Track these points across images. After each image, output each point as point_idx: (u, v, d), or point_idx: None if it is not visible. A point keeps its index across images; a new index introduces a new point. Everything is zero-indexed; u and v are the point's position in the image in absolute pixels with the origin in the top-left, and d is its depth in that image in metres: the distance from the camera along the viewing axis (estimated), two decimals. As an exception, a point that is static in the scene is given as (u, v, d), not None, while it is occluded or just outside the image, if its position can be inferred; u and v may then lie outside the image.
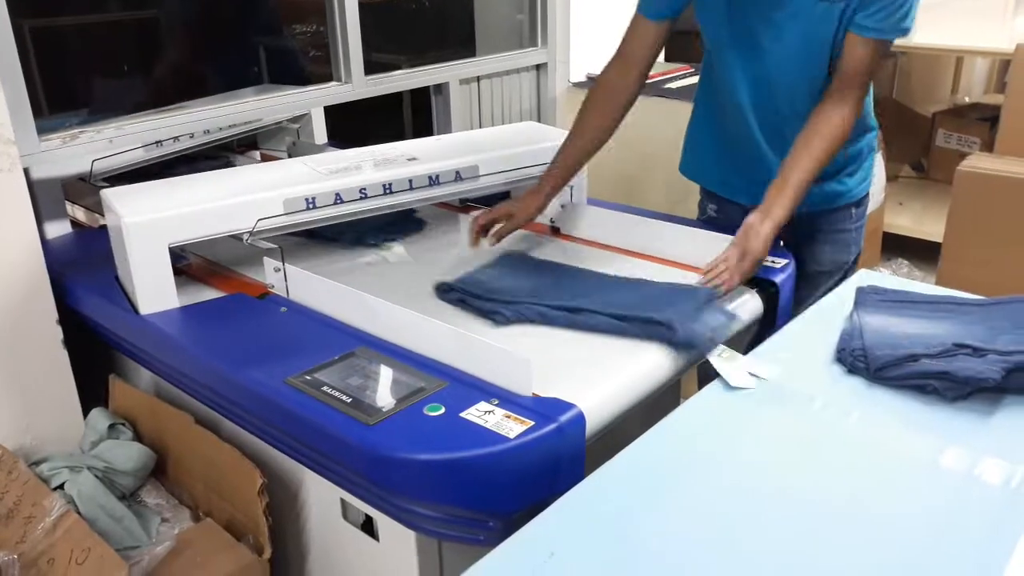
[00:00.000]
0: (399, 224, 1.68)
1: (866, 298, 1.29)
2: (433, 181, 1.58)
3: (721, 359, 1.18)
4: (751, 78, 1.50)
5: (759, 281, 1.43)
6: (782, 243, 1.70)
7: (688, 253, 1.51)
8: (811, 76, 1.45)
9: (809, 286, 1.63)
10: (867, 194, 1.68)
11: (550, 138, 1.75)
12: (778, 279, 1.44)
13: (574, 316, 1.28)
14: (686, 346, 1.21)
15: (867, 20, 1.36)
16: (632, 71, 1.54)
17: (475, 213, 1.55)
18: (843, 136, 1.41)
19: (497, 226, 1.52)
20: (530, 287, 1.39)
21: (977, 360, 1.10)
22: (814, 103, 1.44)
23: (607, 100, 1.55)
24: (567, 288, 1.39)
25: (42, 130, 1.60)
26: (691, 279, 1.44)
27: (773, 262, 1.49)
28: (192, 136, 1.95)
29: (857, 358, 1.15)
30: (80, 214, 1.86)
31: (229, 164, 2.16)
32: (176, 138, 1.91)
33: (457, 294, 1.38)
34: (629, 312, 1.26)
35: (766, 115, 1.53)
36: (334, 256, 1.61)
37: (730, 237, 1.43)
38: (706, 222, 1.73)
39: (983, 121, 3.52)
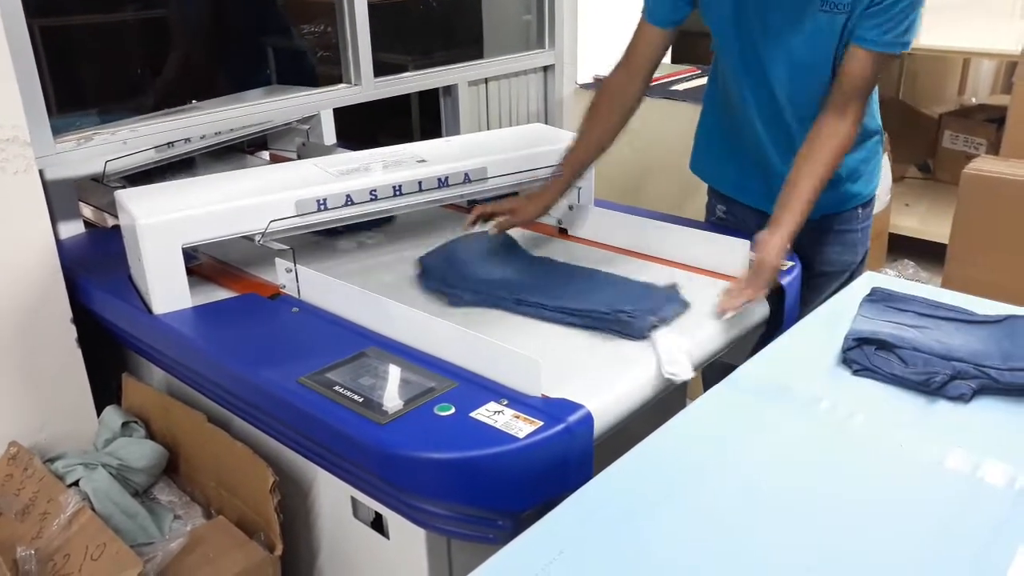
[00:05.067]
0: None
1: (872, 299, 1.31)
2: (442, 183, 1.59)
3: (663, 339, 1.24)
4: (756, 85, 1.51)
5: (765, 283, 1.44)
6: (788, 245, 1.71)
7: (696, 255, 1.52)
8: (814, 86, 1.47)
9: (816, 287, 1.65)
10: (874, 195, 1.69)
11: (558, 140, 1.76)
12: (784, 281, 1.45)
13: (525, 309, 1.36)
14: (632, 335, 1.27)
15: (869, 32, 1.37)
16: (637, 76, 1.57)
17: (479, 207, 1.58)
18: (845, 148, 1.43)
19: (499, 218, 1.55)
20: (498, 276, 1.46)
21: (948, 370, 1.12)
22: (818, 111, 1.45)
23: (612, 104, 1.58)
24: (531, 281, 1.45)
25: (53, 130, 1.62)
26: (699, 281, 1.45)
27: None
28: (203, 137, 1.97)
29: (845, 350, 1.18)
30: (89, 213, 1.88)
31: (239, 165, 2.18)
32: (187, 139, 1.93)
33: (434, 281, 1.45)
34: (580, 307, 1.32)
35: (772, 122, 1.54)
36: (344, 257, 1.62)
37: (739, 240, 1.45)
38: (715, 223, 1.75)
39: (990, 122, 3.52)
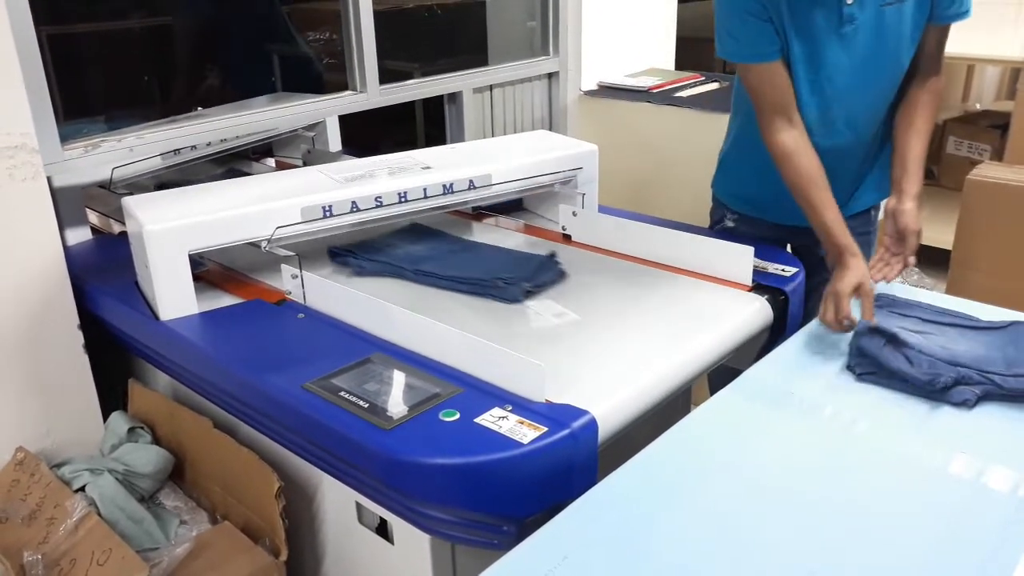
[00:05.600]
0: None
1: (877, 304, 1.31)
2: (447, 189, 1.60)
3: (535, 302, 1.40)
4: (820, 105, 1.48)
5: (769, 289, 1.45)
6: (789, 249, 1.72)
7: (700, 262, 1.52)
8: (878, 90, 1.49)
9: (820, 295, 1.64)
10: (883, 201, 1.70)
11: (562, 147, 1.77)
12: (788, 288, 1.46)
13: (422, 277, 1.51)
14: (507, 299, 1.42)
15: (948, 9, 1.45)
16: (796, 120, 1.47)
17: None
18: (935, 114, 1.51)
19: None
20: (400, 250, 1.62)
21: (952, 375, 1.12)
22: (874, 122, 1.51)
23: (807, 158, 1.45)
24: (431, 254, 1.61)
25: (60, 137, 1.63)
26: (705, 288, 1.46)
27: (783, 270, 1.50)
28: (209, 144, 1.98)
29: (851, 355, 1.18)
30: (96, 219, 1.89)
31: (245, 172, 2.19)
32: (194, 146, 1.94)
33: (344, 256, 1.59)
34: (466, 275, 1.49)
35: (824, 135, 1.50)
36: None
37: (745, 247, 1.45)
38: (721, 231, 1.74)
39: (994, 128, 3.52)
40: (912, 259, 1.43)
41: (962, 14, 1.47)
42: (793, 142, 1.45)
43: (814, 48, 1.44)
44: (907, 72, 1.50)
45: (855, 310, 1.31)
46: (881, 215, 1.71)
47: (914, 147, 1.47)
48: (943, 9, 1.45)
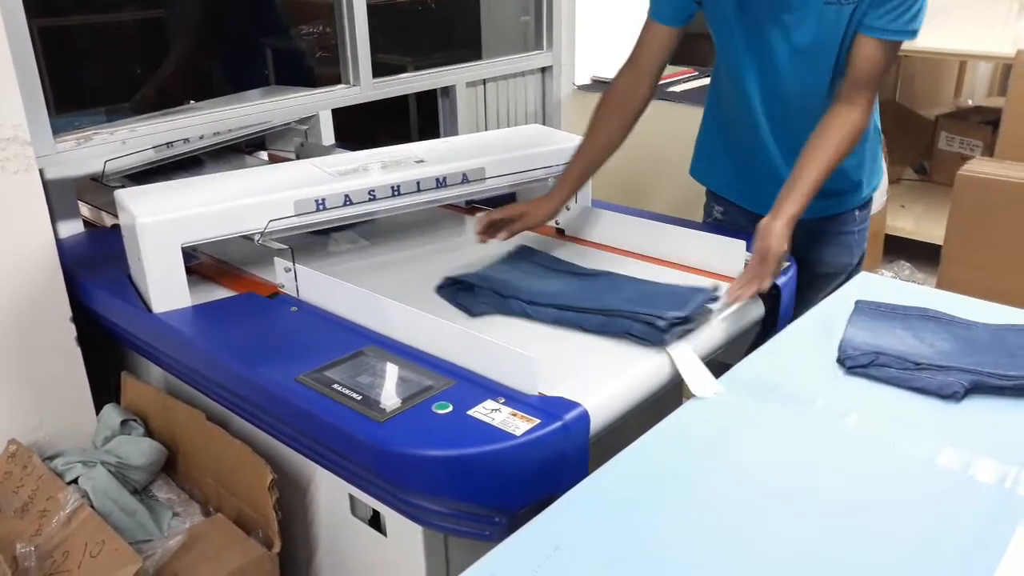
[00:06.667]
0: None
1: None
2: (440, 183, 1.60)
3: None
4: (762, 82, 1.52)
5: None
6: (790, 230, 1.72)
7: (693, 256, 1.53)
8: (822, 80, 1.47)
9: (812, 288, 1.65)
10: (871, 197, 1.70)
11: (555, 141, 1.78)
12: (780, 281, 1.46)
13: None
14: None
15: (876, 21, 1.37)
16: (644, 77, 1.55)
17: (481, 213, 1.57)
18: (854, 138, 1.42)
19: (509, 225, 1.53)
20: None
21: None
22: (825, 107, 1.46)
23: (619, 106, 1.57)
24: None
25: (52, 130, 1.62)
26: (696, 281, 1.46)
27: (775, 265, 1.51)
28: (202, 137, 1.98)
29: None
30: (88, 212, 1.88)
31: (238, 165, 2.19)
32: (186, 139, 1.94)
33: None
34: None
35: (777, 119, 1.54)
36: (342, 257, 1.63)
37: (736, 240, 1.46)
38: (712, 224, 1.76)
39: (985, 124, 3.54)
40: (767, 283, 1.35)
41: (900, 32, 1.37)
42: (622, 84, 1.56)
43: (758, 28, 1.46)
44: (839, 89, 1.45)
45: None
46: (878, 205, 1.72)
47: (809, 171, 1.38)
48: (875, 19, 1.36)
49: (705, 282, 1.42)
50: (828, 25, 1.41)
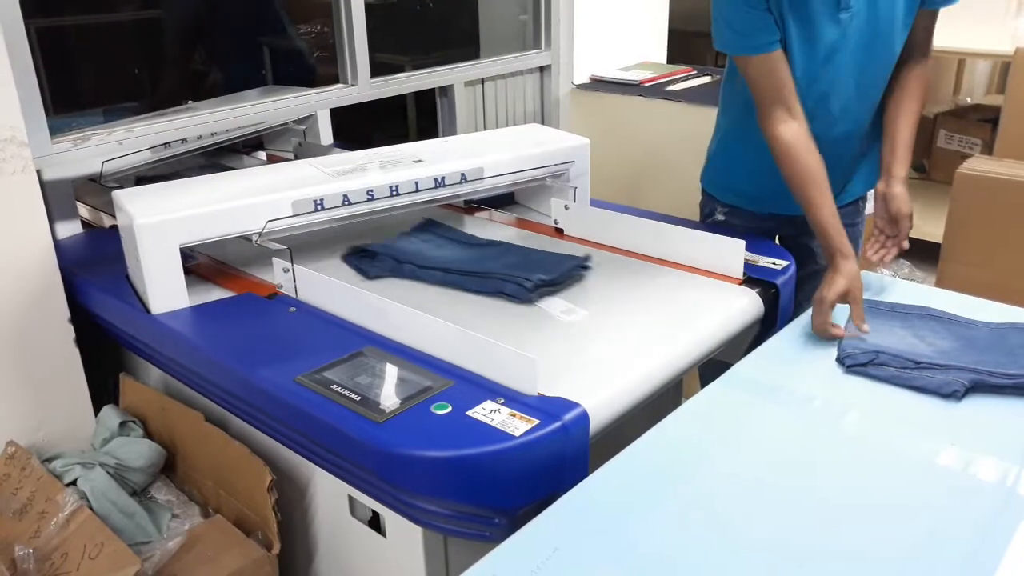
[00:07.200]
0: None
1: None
2: (439, 183, 1.60)
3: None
4: (813, 84, 1.47)
5: (760, 283, 1.45)
6: (778, 240, 1.72)
7: (692, 255, 1.53)
8: (873, 76, 1.50)
9: (811, 284, 1.65)
10: (871, 192, 1.70)
11: (554, 140, 1.77)
12: (779, 280, 1.46)
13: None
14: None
15: None
16: (797, 111, 1.45)
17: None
18: (926, 96, 1.53)
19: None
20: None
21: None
22: (868, 111, 1.52)
23: (807, 152, 1.43)
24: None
25: (50, 130, 1.62)
26: (695, 281, 1.46)
27: (774, 263, 1.51)
28: (199, 137, 1.97)
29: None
30: (86, 213, 1.88)
31: (236, 165, 2.18)
32: (184, 140, 1.93)
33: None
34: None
35: (822, 124, 1.49)
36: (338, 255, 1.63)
37: (736, 240, 1.45)
38: (711, 225, 1.75)
39: (984, 122, 3.54)
40: (906, 243, 1.45)
41: (948, 0, 1.49)
42: (793, 135, 1.43)
43: (811, 33, 1.43)
44: (898, 59, 1.51)
45: (844, 316, 1.31)
46: (870, 206, 1.72)
47: (903, 131, 1.49)
48: None
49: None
50: (883, 12, 1.44)
